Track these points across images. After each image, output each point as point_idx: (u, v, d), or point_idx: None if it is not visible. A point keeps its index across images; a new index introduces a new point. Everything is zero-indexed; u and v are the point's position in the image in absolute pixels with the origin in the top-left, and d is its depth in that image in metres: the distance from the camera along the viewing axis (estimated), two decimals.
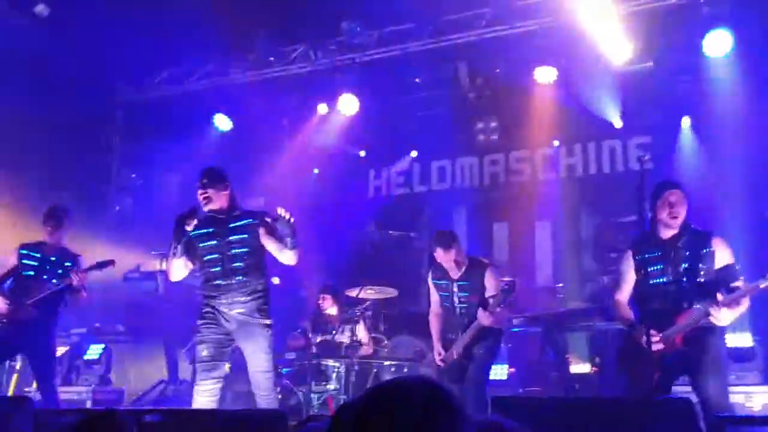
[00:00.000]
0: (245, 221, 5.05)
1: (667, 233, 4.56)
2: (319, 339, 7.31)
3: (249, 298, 4.96)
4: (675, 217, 4.50)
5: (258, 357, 4.93)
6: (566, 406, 3.31)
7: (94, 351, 7.20)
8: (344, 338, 7.06)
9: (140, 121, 10.16)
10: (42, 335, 5.88)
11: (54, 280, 5.92)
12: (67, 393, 6.88)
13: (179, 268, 5.03)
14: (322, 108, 9.94)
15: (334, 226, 10.10)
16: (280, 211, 4.83)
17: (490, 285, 5.62)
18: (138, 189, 10.29)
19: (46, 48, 8.57)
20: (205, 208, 5.00)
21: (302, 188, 10.45)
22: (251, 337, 4.95)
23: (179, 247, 4.93)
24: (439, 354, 5.74)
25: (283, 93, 9.91)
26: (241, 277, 4.96)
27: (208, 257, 5.00)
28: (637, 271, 4.62)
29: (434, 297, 5.94)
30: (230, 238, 4.99)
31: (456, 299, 5.72)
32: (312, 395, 6.78)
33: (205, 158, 10.12)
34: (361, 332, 7.28)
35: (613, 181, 9.19)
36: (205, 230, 5.04)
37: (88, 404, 6.73)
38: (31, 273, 5.99)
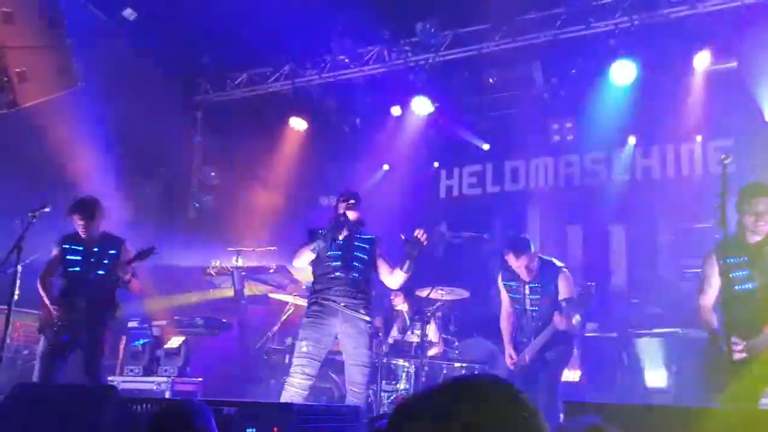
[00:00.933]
0: (370, 236, 5.59)
1: (754, 238, 4.42)
2: (390, 338, 7.39)
3: (358, 294, 5.35)
4: (762, 225, 4.37)
5: (359, 352, 5.23)
6: (641, 414, 3.25)
7: (173, 342, 7.43)
8: (414, 338, 7.11)
9: (220, 122, 10.46)
10: (91, 332, 5.76)
11: (100, 272, 5.84)
12: (147, 383, 7.13)
13: (307, 260, 5.49)
14: (395, 110, 10.03)
15: (404, 225, 10.13)
16: (418, 233, 5.29)
17: (563, 288, 5.54)
18: (217, 187, 10.59)
19: (132, 50, 8.93)
20: (345, 211, 5.51)
21: (373, 188, 10.55)
22: (355, 333, 5.25)
23: (319, 245, 5.41)
24: (511, 357, 5.71)
25: (357, 93, 10.03)
26: (356, 275, 5.38)
27: (331, 253, 5.40)
28: (721, 275, 4.47)
29: (505, 298, 5.89)
30: (355, 243, 5.48)
31: (527, 302, 5.66)
32: (382, 394, 6.86)
33: (281, 158, 10.37)
34: (432, 332, 7.32)
35: (692, 184, 8.93)
36: (333, 232, 5.49)
37: (167, 395, 6.95)
38: (78, 269, 5.88)
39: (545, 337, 5.48)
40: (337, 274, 5.38)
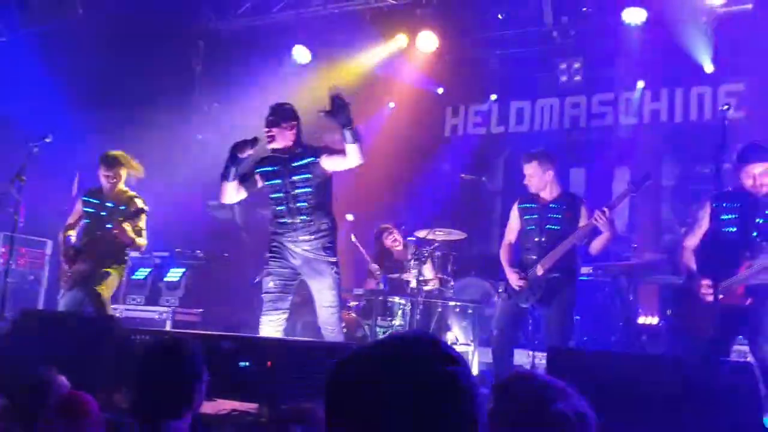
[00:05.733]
0: (308, 159, 5.04)
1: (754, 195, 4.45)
2: (386, 276, 7.44)
3: (313, 237, 5.03)
4: (759, 188, 4.39)
5: (324, 293, 5.06)
6: (623, 362, 3.31)
7: (174, 274, 7.54)
8: (411, 277, 7.17)
9: (222, 51, 10.29)
10: (94, 285, 5.74)
11: (108, 226, 5.73)
12: (148, 312, 7.27)
13: (230, 192, 5.16)
14: (400, 40, 9.80)
15: (407, 164, 10.09)
16: (332, 89, 4.65)
17: (584, 216, 5.41)
18: (219, 118, 10.49)
19: None
20: (269, 147, 5.08)
21: (377, 124, 10.45)
22: (317, 274, 5.07)
23: (231, 171, 5.03)
24: (518, 275, 5.42)
25: (362, 26, 9.82)
26: (305, 217, 5.03)
27: (274, 195, 5.11)
28: (711, 219, 4.54)
29: (513, 226, 5.71)
30: (293, 177, 5.03)
31: (545, 222, 5.45)
32: (377, 329, 6.96)
33: (284, 89, 10.23)
34: (428, 272, 7.36)
35: (700, 129, 8.82)
36: (270, 168, 5.15)
37: (168, 325, 7.10)
38: (88, 221, 5.95)
39: (565, 247, 5.27)
40: (284, 220, 5.05)
